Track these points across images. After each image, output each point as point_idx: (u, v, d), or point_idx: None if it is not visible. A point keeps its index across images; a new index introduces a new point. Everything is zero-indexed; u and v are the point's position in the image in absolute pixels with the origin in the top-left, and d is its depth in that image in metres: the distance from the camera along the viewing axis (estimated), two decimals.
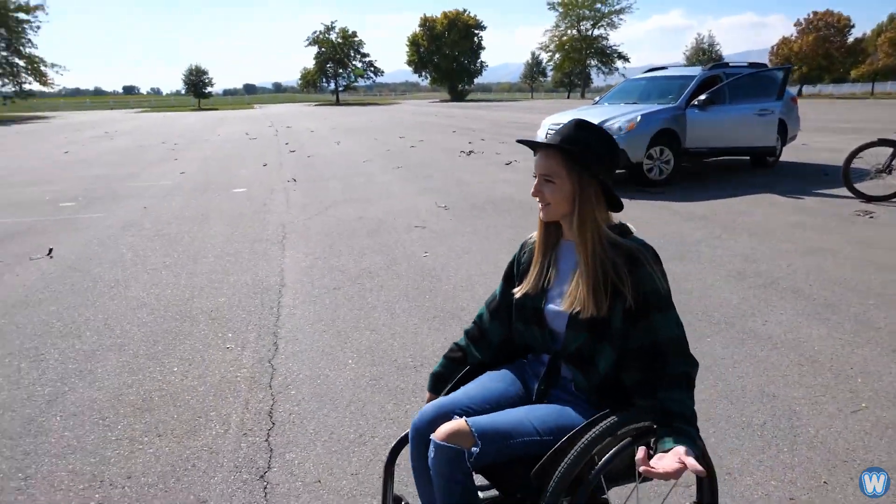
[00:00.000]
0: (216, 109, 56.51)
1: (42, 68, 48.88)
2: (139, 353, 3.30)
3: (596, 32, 79.00)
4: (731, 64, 9.69)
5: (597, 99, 10.90)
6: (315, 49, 72.62)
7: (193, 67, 67.28)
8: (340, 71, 72.71)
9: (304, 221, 6.60)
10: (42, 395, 2.84)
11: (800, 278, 4.33)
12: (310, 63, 74.89)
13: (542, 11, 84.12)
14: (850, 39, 67.11)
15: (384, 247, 5.47)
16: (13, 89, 50.13)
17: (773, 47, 70.85)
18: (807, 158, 10.99)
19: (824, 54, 65.24)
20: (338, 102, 69.55)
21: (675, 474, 1.19)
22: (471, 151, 13.63)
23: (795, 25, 69.02)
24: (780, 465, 2.22)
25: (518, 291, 1.60)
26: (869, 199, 6.88)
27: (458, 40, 76.00)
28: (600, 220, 1.44)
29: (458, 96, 78.63)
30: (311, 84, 75.69)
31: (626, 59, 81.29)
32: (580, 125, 1.45)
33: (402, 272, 4.70)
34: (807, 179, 8.80)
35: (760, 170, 9.78)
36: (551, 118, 9.34)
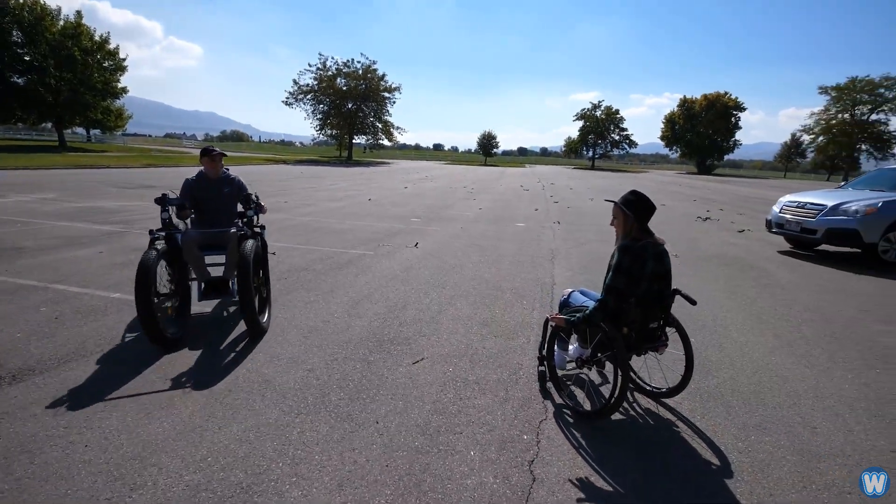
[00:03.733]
0: (497, 166, 62.56)
1: (391, 129, 60.37)
2: (477, 301, 4.98)
3: (874, 117, 63.20)
4: None
5: (842, 183, 9.95)
6: (580, 123, 75.22)
7: (486, 132, 75.66)
8: (599, 141, 73.90)
9: (566, 249, 7.94)
10: (432, 311, 4.67)
11: None
12: (574, 133, 77.98)
13: (813, 95, 71.37)
14: None
15: None
16: (370, 142, 62.89)
17: None
18: None
19: None
20: (593, 167, 70.46)
21: (552, 318, 2.95)
22: (707, 218, 13.37)
23: None
24: None
25: None
26: None
27: (714, 120, 69.99)
28: (627, 234, 2.72)
29: (704, 170, 72.35)
30: (573, 150, 78.27)
31: None
32: (633, 192, 2.82)
33: None
34: None
35: None
36: (787, 196, 9.02)
